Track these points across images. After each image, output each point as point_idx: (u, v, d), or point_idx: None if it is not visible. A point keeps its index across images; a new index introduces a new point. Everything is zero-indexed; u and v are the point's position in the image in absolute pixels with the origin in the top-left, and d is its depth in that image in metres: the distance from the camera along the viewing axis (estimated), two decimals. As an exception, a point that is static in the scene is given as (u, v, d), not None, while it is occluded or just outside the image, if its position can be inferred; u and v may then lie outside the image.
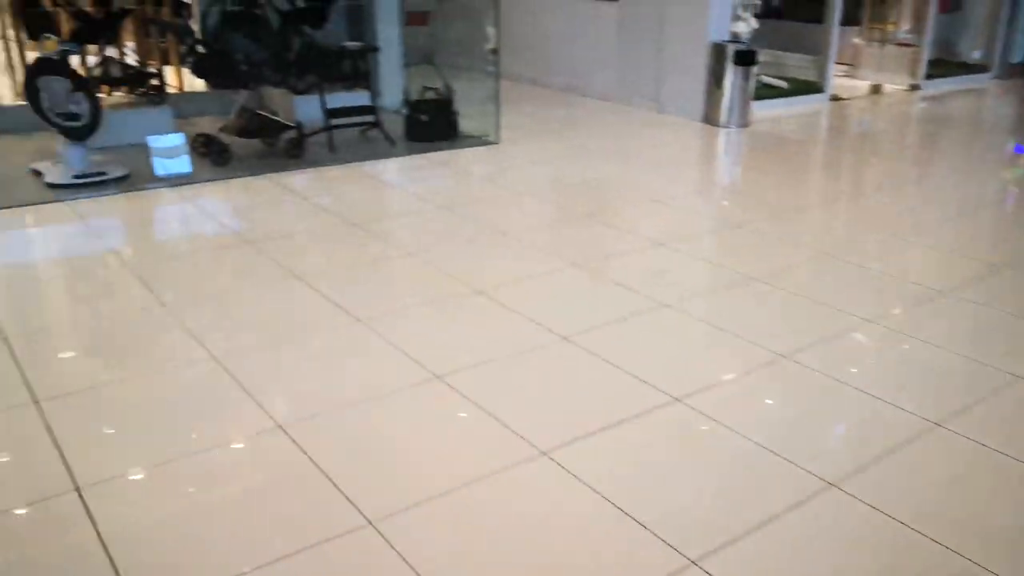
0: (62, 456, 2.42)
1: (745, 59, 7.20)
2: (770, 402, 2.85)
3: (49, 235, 4.30)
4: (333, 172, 5.60)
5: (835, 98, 8.79)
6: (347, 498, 2.28)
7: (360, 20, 7.54)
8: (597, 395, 2.85)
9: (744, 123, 7.41)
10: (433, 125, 6.51)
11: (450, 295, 3.64)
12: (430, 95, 6.60)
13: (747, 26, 7.88)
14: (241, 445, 2.52)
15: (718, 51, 7.28)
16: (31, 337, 3.16)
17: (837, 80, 9.03)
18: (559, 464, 2.44)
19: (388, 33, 7.56)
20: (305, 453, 2.47)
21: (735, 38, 7.44)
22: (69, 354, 3.09)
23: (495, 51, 9.57)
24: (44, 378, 2.85)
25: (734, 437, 2.60)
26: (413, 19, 7.94)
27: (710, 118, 7.48)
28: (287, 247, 4.16)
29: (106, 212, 4.64)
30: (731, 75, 7.24)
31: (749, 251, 4.27)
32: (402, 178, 5.52)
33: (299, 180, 5.35)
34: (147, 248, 4.17)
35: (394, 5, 7.58)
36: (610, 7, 8.25)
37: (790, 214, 4.90)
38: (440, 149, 6.31)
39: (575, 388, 2.90)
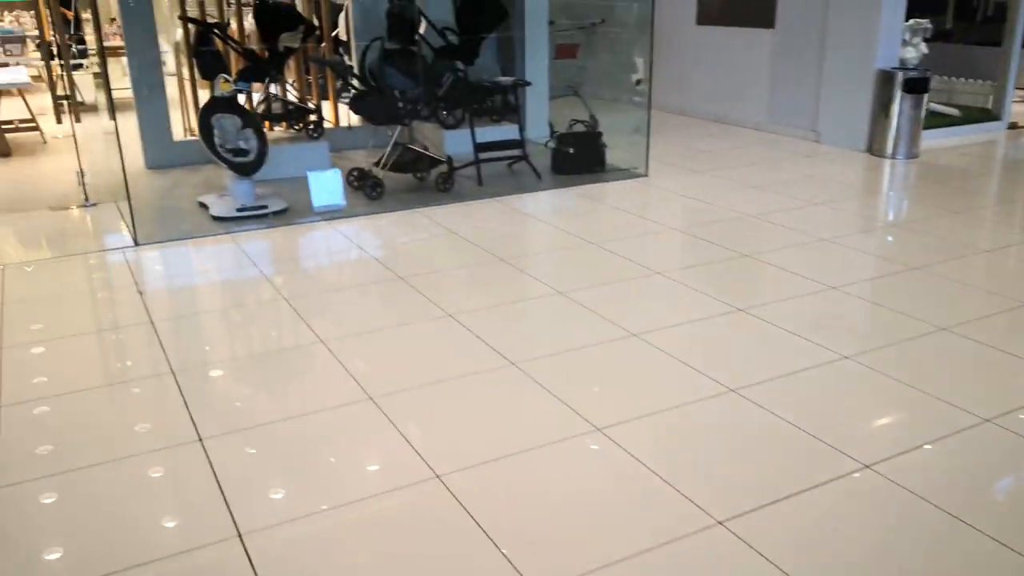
0: (224, 499, 2.42)
1: (916, 86, 6.72)
2: (973, 472, 2.52)
3: (212, 268, 4.45)
4: (482, 206, 5.58)
5: (1013, 126, 8.09)
6: (515, 569, 2.14)
7: (509, 54, 7.57)
8: (780, 462, 2.61)
9: (912, 154, 6.91)
10: (580, 158, 6.41)
11: (605, 339, 3.47)
12: (578, 128, 6.50)
13: (916, 52, 7.39)
14: (400, 495, 2.44)
15: (886, 78, 6.83)
16: (194, 372, 3.22)
17: (1016, 107, 8.32)
18: (738, 536, 2.22)
19: (536, 66, 7.56)
20: (463, 507, 2.36)
21: (903, 64, 6.98)
22: (231, 390, 3.13)
23: (639, 82, 9.45)
24: (207, 415, 2.89)
25: (938, 515, 2.30)
26: (562, 52, 7.91)
27: (875, 148, 7.02)
28: (439, 283, 4.12)
29: (266, 245, 4.77)
30: (899, 103, 6.77)
31: (933, 298, 3.89)
32: (550, 212, 5.42)
33: (449, 214, 5.35)
34: (304, 282, 4.24)
35: (543, 39, 7.57)
36: (765, 34, 7.93)
37: (974, 256, 4.46)
38: (587, 182, 6.20)
39: (750, 451, 2.67)
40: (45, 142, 7.39)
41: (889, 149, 6.91)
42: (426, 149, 5.97)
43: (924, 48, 7.45)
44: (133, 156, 6.44)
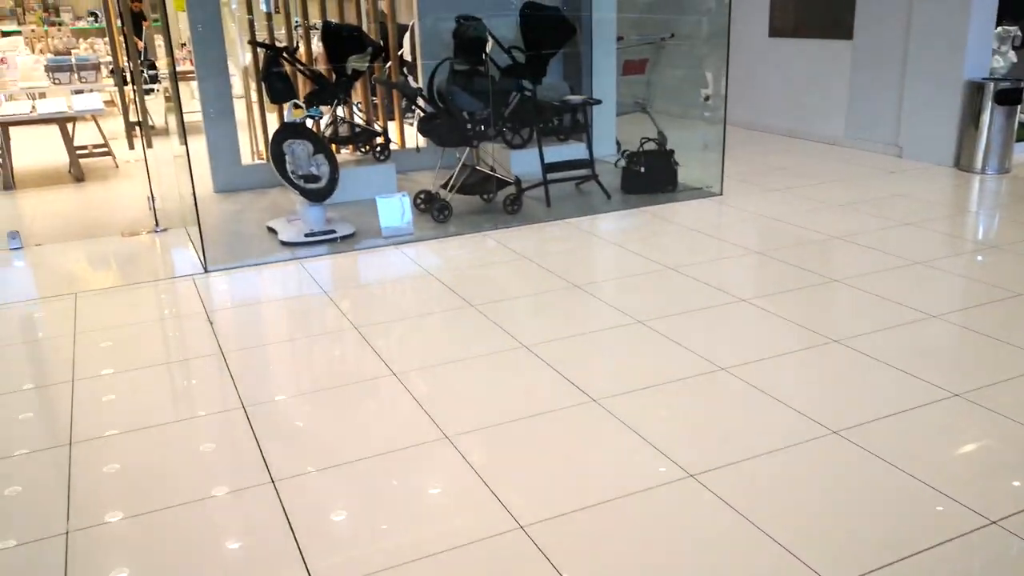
0: (298, 547, 2.29)
1: (1009, 98, 6.36)
2: (1122, 536, 2.25)
3: (281, 295, 4.38)
4: (551, 228, 5.43)
5: (1113, 137, 7.61)
6: (604, 629, 1.97)
7: (576, 71, 7.43)
8: (896, 517, 2.38)
9: (1004, 168, 6.54)
10: (651, 177, 6.22)
11: (691, 373, 3.28)
12: (648, 146, 6.31)
13: (1004, 61, 7.02)
14: (480, 547, 2.28)
15: (976, 89, 6.48)
16: (264, 407, 3.13)
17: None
18: (856, 605, 2.01)
19: (603, 83, 7.41)
20: (550, 562, 2.19)
21: (992, 74, 6.62)
22: (301, 426, 3.02)
23: (708, 97, 9.20)
24: (278, 454, 2.78)
25: (1085, 585, 2.05)
26: (630, 68, 7.73)
27: (962, 163, 6.66)
28: (511, 311, 3.97)
29: (334, 271, 4.69)
30: (990, 115, 6.41)
31: (1047, 327, 3.59)
32: (622, 235, 5.24)
33: (518, 238, 5.21)
34: (373, 310, 4.14)
35: (611, 55, 7.41)
36: (843, 46, 7.63)
37: (1089, 280, 4.13)
38: (659, 202, 6.00)
39: (859, 503, 2.44)
40: (117, 167, 7.51)
41: (978, 164, 6.55)
42: (493, 170, 5.85)
43: (1013, 56, 7.08)
44: (202, 180, 6.48)
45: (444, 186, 5.72)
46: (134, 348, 3.67)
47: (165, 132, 9.14)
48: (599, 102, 6.10)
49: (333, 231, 5.18)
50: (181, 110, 4.68)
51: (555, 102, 5.99)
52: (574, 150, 6.84)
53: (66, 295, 4.34)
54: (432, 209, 5.55)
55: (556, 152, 6.42)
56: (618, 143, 7.68)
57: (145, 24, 11.36)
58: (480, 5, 7.03)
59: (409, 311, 4.07)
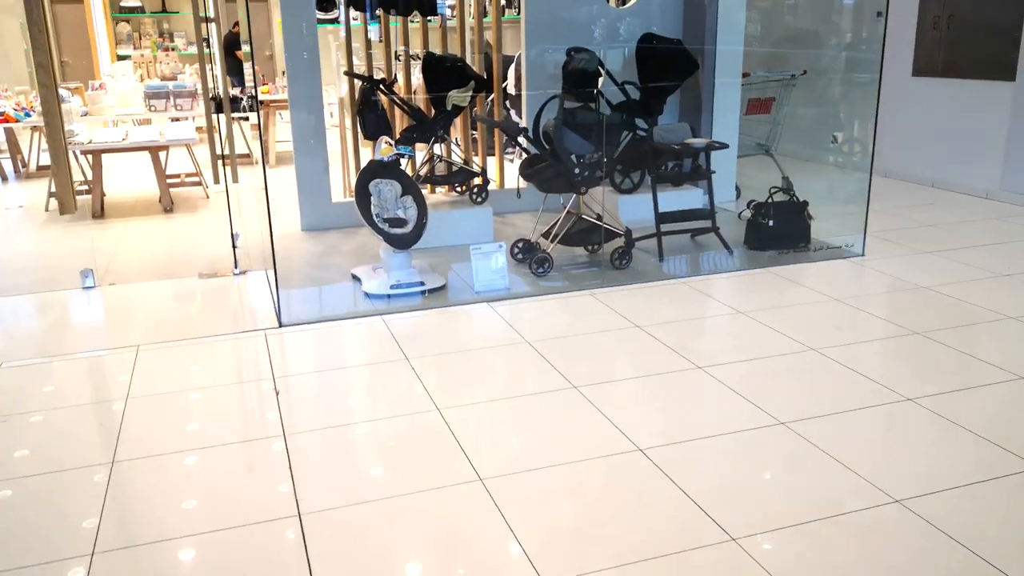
0: None
1: None
2: None
3: (359, 360, 3.88)
4: (665, 289, 4.77)
5: None
6: None
7: (694, 109, 6.78)
8: None
9: None
10: (780, 231, 5.49)
11: (860, 504, 2.56)
12: (779, 196, 5.58)
13: None
14: None
15: None
16: (326, 519, 2.59)
17: None
18: None
19: (725, 123, 6.72)
20: None
21: None
22: (366, 541, 2.47)
23: (835, 139, 8.38)
24: (334, 592, 2.23)
25: None
26: (754, 107, 7.02)
27: None
28: (620, 399, 3.34)
29: (419, 332, 4.16)
30: None
31: None
32: (747, 301, 4.53)
33: (626, 299, 4.58)
34: (459, 386, 3.57)
35: (735, 93, 6.73)
36: (1002, 87, 6.72)
37: None
38: (789, 261, 5.26)
39: None
40: (208, 197, 7.26)
41: None
42: (601, 219, 5.25)
43: None
44: (290, 216, 6.11)
45: (545, 235, 5.15)
46: (186, 423, 3.21)
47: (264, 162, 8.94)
48: (726, 146, 5.42)
49: (421, 283, 4.66)
50: (263, 147, 4.27)
51: (674, 145, 5.35)
52: (691, 197, 6.18)
53: (127, 348, 3.94)
54: (531, 261, 4.97)
55: (671, 199, 5.77)
56: (738, 189, 6.97)
57: (237, 53, 11.32)
58: (592, 36, 6.50)
59: (500, 391, 3.48)
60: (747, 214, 5.67)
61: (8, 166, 8.50)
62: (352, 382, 3.61)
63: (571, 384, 3.48)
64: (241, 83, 10.47)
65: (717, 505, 2.58)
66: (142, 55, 11.41)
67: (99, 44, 12.26)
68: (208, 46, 5.59)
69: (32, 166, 8.42)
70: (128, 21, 13.14)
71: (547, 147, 4.97)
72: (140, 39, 13.20)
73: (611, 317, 4.31)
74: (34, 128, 7.78)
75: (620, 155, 5.87)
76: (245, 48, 4.74)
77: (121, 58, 12.18)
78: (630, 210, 5.95)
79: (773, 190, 5.58)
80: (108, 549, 2.42)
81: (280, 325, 4.22)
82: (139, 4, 13.13)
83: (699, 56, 6.41)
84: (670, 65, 6.02)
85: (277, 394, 3.44)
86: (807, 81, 7.25)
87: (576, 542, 2.42)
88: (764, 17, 8.16)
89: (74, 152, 6.58)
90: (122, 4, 12.94)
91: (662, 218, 5.31)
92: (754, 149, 7.14)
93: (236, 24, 11.40)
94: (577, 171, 4.89)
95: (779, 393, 3.38)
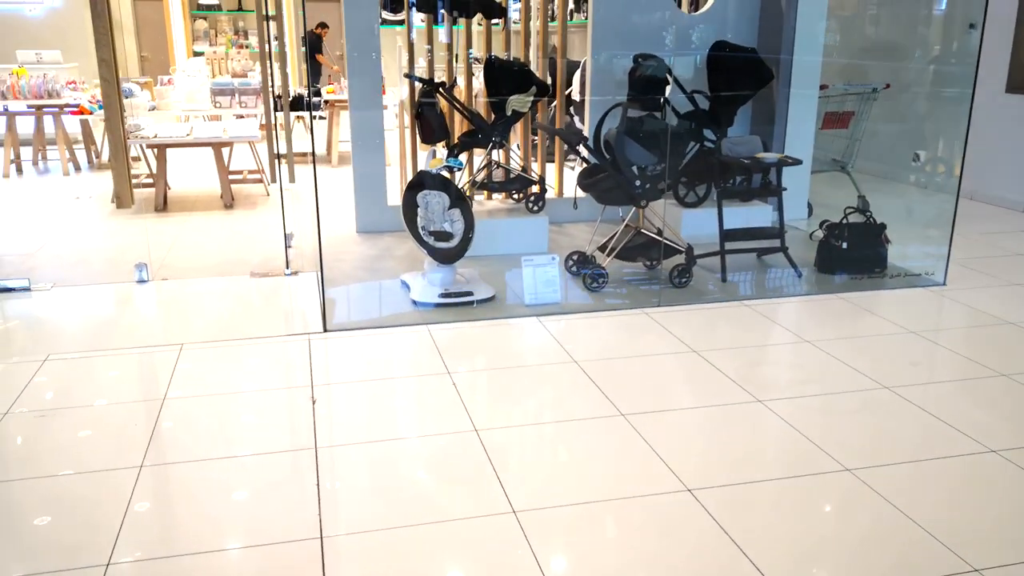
0: None
1: None
2: None
3: (401, 371, 3.74)
4: (726, 312, 4.52)
5: None
6: None
7: (766, 121, 6.49)
8: None
9: None
10: (854, 254, 5.17)
11: (929, 571, 2.31)
12: (855, 217, 5.27)
13: None
14: None
15: None
16: (347, 543, 2.45)
17: None
18: None
19: (799, 137, 6.42)
20: None
21: None
22: (392, 568, 2.32)
23: (918, 157, 7.95)
24: None
25: None
26: (831, 121, 6.69)
27: None
28: (673, 432, 3.13)
29: (465, 345, 4.01)
30: None
31: None
32: (816, 329, 4.25)
33: (684, 321, 4.35)
34: (500, 406, 3.41)
35: (811, 105, 6.42)
36: (1106, 108, 6.25)
37: None
38: (862, 288, 4.95)
39: None
40: (268, 195, 7.26)
41: None
42: (660, 233, 5.02)
43: None
44: (347, 218, 6.04)
45: (602, 248, 4.95)
46: (218, 429, 3.12)
47: (327, 161, 8.96)
48: (799, 162, 5.14)
49: (470, 293, 4.51)
50: (314, 149, 4.18)
51: (744, 159, 5.09)
52: (759, 214, 5.90)
53: (171, 347, 3.89)
54: (585, 275, 4.78)
55: (738, 215, 5.50)
56: (810, 207, 6.65)
57: (318, 56, 11.38)
58: (662, 42, 6.27)
59: (542, 414, 3.30)
60: (819, 234, 5.38)
61: (82, 156, 8.69)
62: (391, 395, 3.47)
63: (618, 411, 3.29)
64: (316, 82, 10.55)
65: (771, 561, 2.36)
66: (215, 52, 11.58)
67: (176, 40, 12.50)
68: (268, 42, 5.54)
69: (104, 157, 8.57)
70: (205, 18, 13.40)
71: (607, 157, 4.78)
72: (216, 36, 13.44)
73: (667, 339, 4.09)
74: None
75: (685, 167, 5.63)
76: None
77: (197, 54, 12.42)
78: (693, 225, 5.70)
79: (848, 210, 5.27)
80: (120, 561, 2.33)
81: (325, 330, 4.12)
82: (216, 2, 13.37)
83: (774, 66, 6.12)
84: (743, 74, 5.76)
85: (313, 403, 3.33)
86: (889, 95, 6.88)
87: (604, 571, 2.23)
88: (845, 27, 7.81)
89: (140, 146, 6.65)
90: (200, 2, 13.20)
91: (727, 235, 5.05)
92: (829, 165, 6.81)
93: (319, 25, 11.50)
94: (638, 183, 4.68)
95: (846, 435, 3.12)
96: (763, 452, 2.99)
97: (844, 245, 5.19)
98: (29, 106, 8.10)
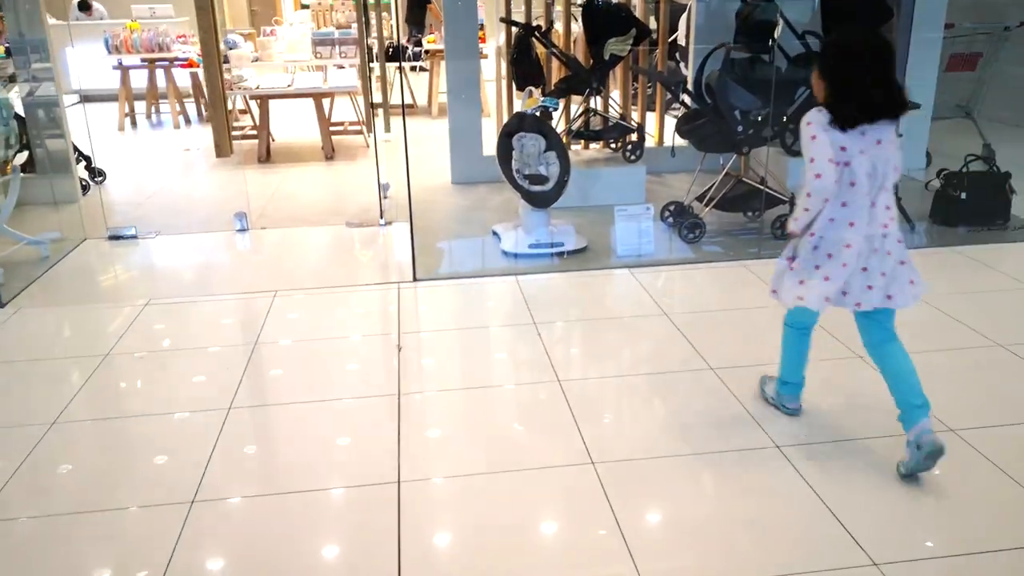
0: None
1: None
2: None
3: (488, 320, 3.73)
4: (831, 265, 4.29)
5: None
6: None
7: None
8: None
9: None
10: (974, 206, 4.81)
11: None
12: (975, 165, 4.89)
13: None
14: None
15: None
16: (420, 489, 2.46)
17: None
18: None
19: (922, 80, 5.97)
20: None
21: None
22: (454, 528, 2.32)
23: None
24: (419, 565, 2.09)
25: None
26: (956, 63, 6.20)
27: None
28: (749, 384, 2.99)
29: (553, 296, 3.96)
30: None
31: None
32: (934, 284, 3.97)
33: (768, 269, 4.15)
34: (588, 359, 3.35)
35: (935, 47, 5.96)
36: None
37: None
38: (981, 240, 4.60)
39: None
40: (368, 146, 7.33)
41: None
42: (763, 182, 4.79)
43: None
44: (443, 168, 6.03)
45: (700, 198, 4.76)
46: (306, 375, 3.18)
47: (428, 113, 8.97)
48: (917, 107, 4.75)
49: (561, 243, 4.44)
50: (402, 91, 4.16)
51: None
52: (871, 163, 5.54)
53: (266, 293, 3.99)
54: (682, 226, 4.62)
55: (848, 165, 5.18)
56: (928, 155, 6.22)
57: (429, 6, 11.32)
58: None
59: (628, 366, 3.22)
60: (936, 184, 5.02)
61: (192, 110, 9.00)
62: (476, 344, 3.46)
63: (708, 365, 3.17)
64: (420, 33, 10.54)
65: (854, 521, 2.23)
66: (319, 3, 11.70)
67: (284, -8, 12.71)
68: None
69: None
70: (313, -29, 13.54)
71: (708, 101, 4.57)
72: (321, -14, 13.56)
73: (764, 292, 3.90)
74: (216, 72, 8.14)
75: (794, 113, 5.34)
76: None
77: (304, 7, 12.59)
78: (800, 175, 5.41)
79: (969, 158, 4.89)
80: (204, 499, 2.41)
81: (415, 279, 4.14)
82: (323, -46, 13.47)
83: (894, 3, 5.69)
84: (859, 13, 5.38)
85: (399, 350, 3.35)
86: (1023, 33, 6.31)
87: (678, 540, 2.16)
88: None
89: (244, 97, 6.80)
90: (307, -46, 13.34)
91: (835, 185, 4.77)
92: (952, 111, 6.33)
93: (427, -25, 11.44)
94: (740, 128, 4.46)
95: (955, 395, 2.91)
96: (862, 412, 2.83)
97: (963, 196, 4.83)
98: (142, 60, 8.42)
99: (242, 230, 4.97)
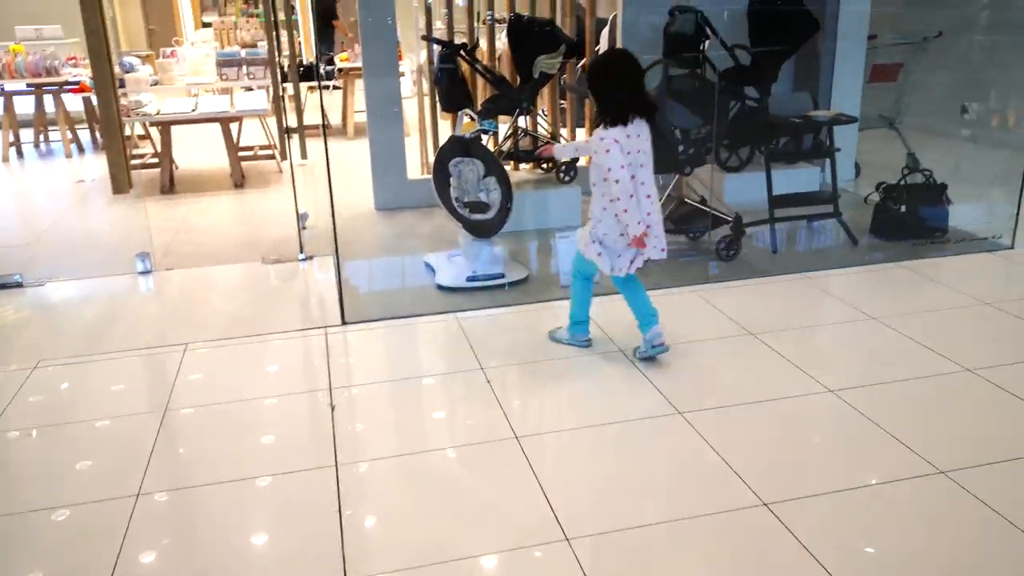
0: None
1: None
2: None
3: (429, 367, 3.40)
4: (781, 286, 4.13)
5: None
6: None
7: (809, 76, 6.02)
8: None
9: None
10: (913, 218, 4.75)
11: (1062, 608, 1.94)
12: (914, 178, 4.84)
13: None
14: None
15: None
16: (378, 582, 2.12)
17: None
18: None
19: (846, 92, 5.95)
20: None
21: None
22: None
23: (966, 110, 7.44)
24: None
25: None
26: (879, 73, 6.20)
27: None
28: (731, 430, 2.76)
29: (496, 334, 3.66)
30: None
31: None
32: (880, 303, 3.86)
33: (736, 298, 3.96)
34: (541, 406, 3.06)
35: (859, 57, 5.94)
36: None
37: None
38: (923, 255, 4.53)
39: None
40: (281, 171, 6.89)
41: None
42: (704, 202, 4.61)
43: None
44: (364, 193, 5.67)
45: (642, 221, 4.54)
46: (225, 445, 2.79)
47: (343, 133, 8.56)
48: (855, 120, 4.70)
49: (500, 275, 4.15)
50: (300, 115, 3.80)
51: (794, 118, 4.65)
52: (805, 177, 5.46)
53: (174, 347, 3.56)
54: (628, 252, 4.38)
55: (782, 179, 5.06)
56: (857, 167, 6.20)
57: (334, 23, 10.88)
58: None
59: (587, 414, 2.94)
60: (875, 197, 4.95)
61: (85, 137, 8.35)
62: (418, 398, 3.13)
63: (674, 408, 2.92)
64: (329, 51, 10.09)
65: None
66: (222, 21, 11.14)
67: (184, 11, 12.09)
68: (272, 8, 5.14)
69: (110, 136, 8.23)
70: (214, -13, 12.94)
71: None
72: (225, 5, 12.98)
73: (718, 320, 3.71)
74: (110, 98, 7.55)
75: (727, 128, 5.20)
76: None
77: (206, 25, 11.98)
78: (735, 191, 5.27)
79: (906, 170, 4.84)
80: (116, 615, 2.01)
81: (343, 322, 3.77)
82: (223, -31, 12.89)
83: (819, 16, 5.63)
84: (788, 26, 5.28)
85: (332, 409, 2.99)
86: (942, 43, 6.37)
87: None
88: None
89: (142, 124, 6.29)
90: (206, -30, 12.73)
91: (777, 201, 4.64)
92: (876, 122, 6.34)
93: (334, -12, 10.97)
94: (682, 148, 4.27)
95: (935, 430, 2.74)
96: (839, 455, 2.62)
97: (902, 208, 4.77)
98: (28, 85, 7.77)
99: (145, 272, 4.50)
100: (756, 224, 4.67)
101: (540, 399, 3.09)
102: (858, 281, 4.20)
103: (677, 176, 4.42)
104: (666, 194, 4.47)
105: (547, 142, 5.47)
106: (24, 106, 8.06)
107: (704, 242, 4.65)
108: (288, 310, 4.00)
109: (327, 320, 3.80)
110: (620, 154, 3.01)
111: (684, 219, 4.48)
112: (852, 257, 4.55)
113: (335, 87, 8.74)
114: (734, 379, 3.16)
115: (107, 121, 3.87)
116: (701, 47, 5.23)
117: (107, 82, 3.79)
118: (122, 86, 6.49)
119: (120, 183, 4.00)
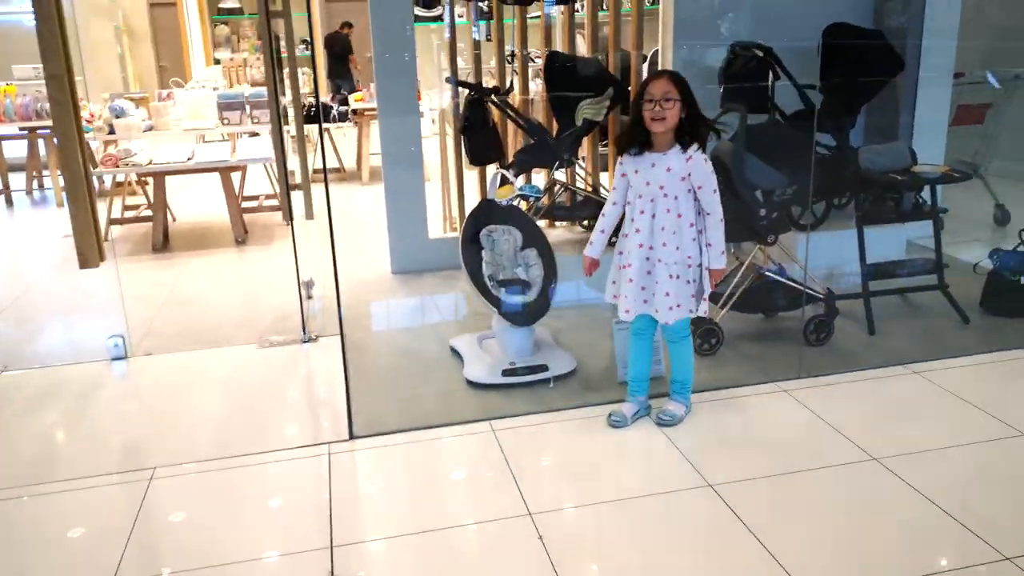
0: None
1: None
2: None
3: (452, 511, 2.64)
4: (886, 382, 3.36)
5: None
6: None
7: (888, 119, 5.27)
8: None
9: None
10: (1034, 292, 3.97)
11: None
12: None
13: None
14: None
15: None
16: None
17: None
18: None
19: (929, 135, 5.19)
20: None
21: None
22: None
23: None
24: None
25: None
26: (963, 116, 5.46)
27: None
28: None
29: (543, 455, 2.89)
30: None
31: None
32: (1007, 402, 3.07)
33: (837, 400, 3.19)
34: (602, 561, 2.29)
35: (945, 98, 5.19)
36: None
37: None
38: (1052, 338, 3.75)
39: None
40: (287, 224, 6.19)
41: None
42: (783, 272, 3.85)
43: None
44: (378, 254, 4.96)
45: (713, 298, 3.79)
46: (190, 638, 2.04)
47: (357, 178, 7.90)
48: (969, 177, 3.95)
49: (543, 367, 3.39)
50: (305, 167, 3.09)
51: (893, 174, 3.89)
52: (893, 238, 4.70)
53: (140, 472, 2.81)
54: (694, 334, 3.62)
55: (878, 242, 4.29)
56: (940, 219, 5.42)
57: (351, 59, 10.28)
58: (755, 30, 5.07)
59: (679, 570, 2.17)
60: (986, 264, 4.18)
61: (80, 184, 7.71)
62: (448, 560, 2.36)
63: (776, 560, 2.14)
64: (342, 89, 9.46)
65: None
66: (231, 59, 10.57)
67: (193, 48, 11.55)
68: (270, 44, 4.47)
69: (106, 183, 7.61)
70: (227, 23, 12.39)
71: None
72: (239, 42, 12.43)
73: (824, 435, 2.93)
74: (105, 142, 6.91)
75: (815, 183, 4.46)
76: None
77: (218, 62, 11.43)
78: (814, 253, 4.50)
79: (1024, 234, 4.07)
80: None
81: (351, 436, 3.01)
82: (238, 5, 12.34)
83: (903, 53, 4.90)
84: (868, 64, 4.56)
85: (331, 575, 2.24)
86: (1032, 82, 5.63)
87: None
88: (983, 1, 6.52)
89: (127, 175, 5.64)
90: (220, 6, 12.19)
91: (875, 272, 3.88)
92: (958, 167, 5.58)
93: (344, 24, 10.39)
94: (763, 212, 3.52)
95: None
96: None
97: (1020, 280, 3.99)
98: (21, 128, 7.17)
99: (119, 358, 3.78)
100: (846, 297, 3.91)
101: (602, 553, 2.31)
102: (983, 375, 3.41)
103: (756, 247, 3.66)
104: (743, 265, 3.71)
105: (588, 196, 4.73)
106: (15, 149, 7.47)
107: (779, 320, 3.88)
108: (286, 416, 3.24)
109: (331, 432, 3.05)
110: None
111: (766, 295, 3.72)
112: (961, 338, 3.78)
113: (354, 123, 8.04)
114: (864, 531, 2.37)
115: (71, 182, 3.18)
116: (768, 89, 4.52)
117: (70, 135, 3.12)
118: (111, 133, 5.86)
119: (88, 257, 3.27)
